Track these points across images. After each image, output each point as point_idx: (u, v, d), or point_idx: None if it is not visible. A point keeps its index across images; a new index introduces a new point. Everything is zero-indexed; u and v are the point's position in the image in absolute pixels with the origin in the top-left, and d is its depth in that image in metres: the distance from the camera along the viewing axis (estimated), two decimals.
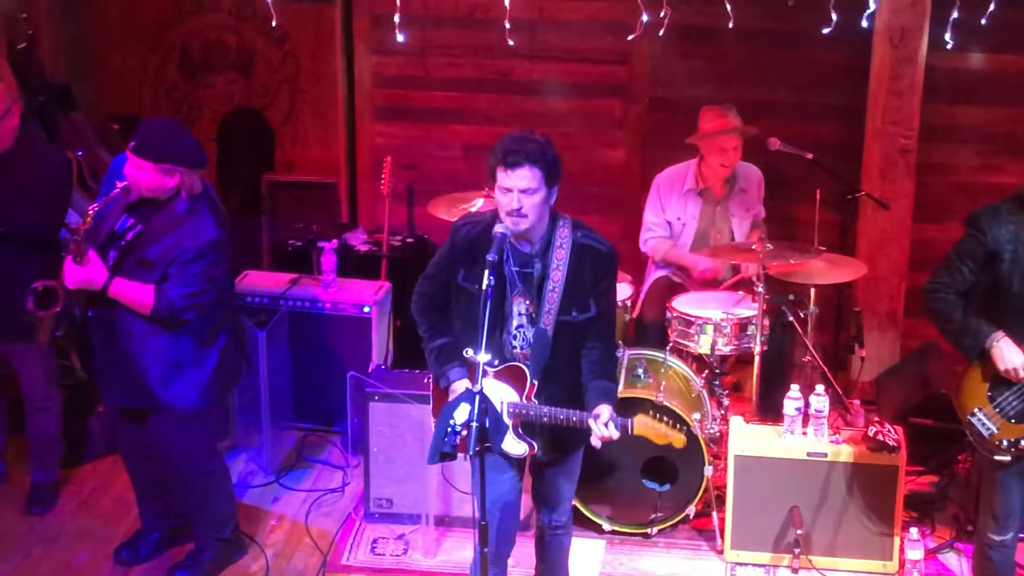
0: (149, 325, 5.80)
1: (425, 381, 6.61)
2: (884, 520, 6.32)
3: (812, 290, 6.99)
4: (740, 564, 6.46)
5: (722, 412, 6.86)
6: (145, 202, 5.81)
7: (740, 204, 7.44)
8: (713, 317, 6.84)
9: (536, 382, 5.14)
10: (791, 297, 6.95)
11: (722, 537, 6.51)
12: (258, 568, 6.45)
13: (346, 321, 7.47)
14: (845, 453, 6.30)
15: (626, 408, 6.36)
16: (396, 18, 6.36)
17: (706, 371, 6.91)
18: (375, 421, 6.64)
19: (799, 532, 6.25)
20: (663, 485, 6.59)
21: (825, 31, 6.18)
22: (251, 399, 7.22)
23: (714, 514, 6.61)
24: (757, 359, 6.80)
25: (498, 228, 5.02)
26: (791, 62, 8.10)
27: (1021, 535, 5.82)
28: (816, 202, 7.06)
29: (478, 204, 7.31)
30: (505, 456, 5.26)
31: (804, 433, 6.36)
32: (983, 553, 5.77)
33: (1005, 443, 5.45)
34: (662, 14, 6.24)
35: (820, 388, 6.36)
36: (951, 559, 6.51)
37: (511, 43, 6.58)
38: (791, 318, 6.89)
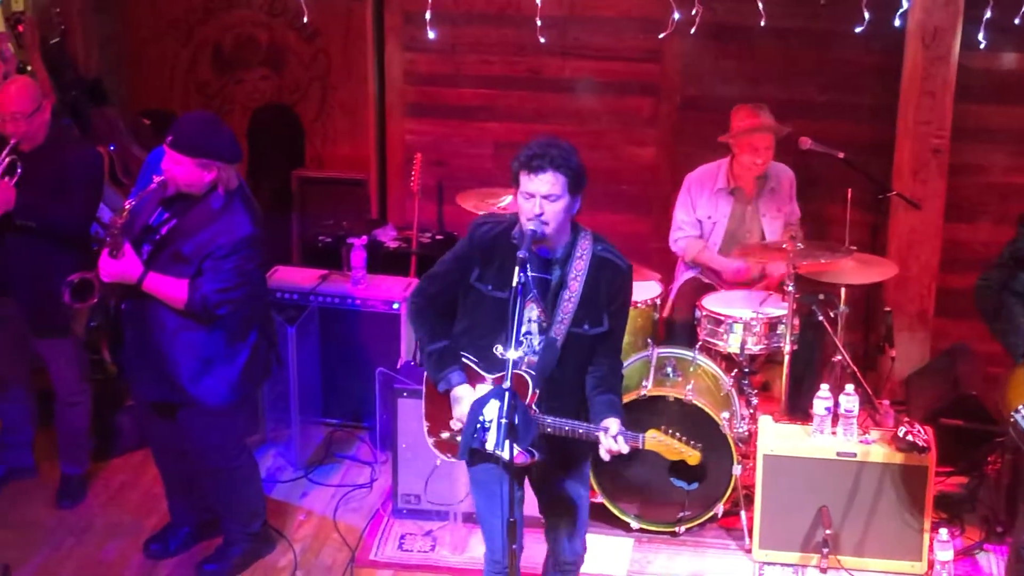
0: (181, 320, 5.82)
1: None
2: (913, 521, 6.30)
3: (842, 290, 6.96)
4: (768, 563, 6.45)
5: (751, 411, 6.84)
6: (180, 197, 5.82)
7: (771, 204, 7.42)
8: (743, 316, 6.82)
9: (539, 391, 5.05)
10: (821, 297, 6.92)
11: (750, 536, 6.50)
12: (286, 563, 6.47)
13: (375, 317, 7.48)
14: (874, 453, 6.28)
15: (653, 406, 6.41)
16: (427, 15, 6.36)
17: (735, 370, 6.90)
18: (404, 417, 6.64)
19: (828, 532, 6.23)
20: (691, 484, 6.58)
21: (857, 30, 6.16)
22: (281, 394, 7.24)
23: (742, 513, 6.59)
24: (787, 358, 6.78)
25: (528, 225, 4.94)
26: (823, 61, 8.07)
27: None
28: (847, 202, 7.03)
29: (507, 201, 7.31)
30: (507, 466, 5.02)
31: (833, 433, 6.34)
32: (1019, 556, 5.73)
33: None
34: (694, 12, 6.23)
35: (850, 388, 6.34)
36: (981, 560, 6.48)
37: (542, 40, 6.57)
38: (821, 318, 6.86)
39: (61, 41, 8.21)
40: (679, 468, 6.55)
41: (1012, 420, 5.49)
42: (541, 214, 4.90)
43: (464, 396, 5.12)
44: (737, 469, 6.49)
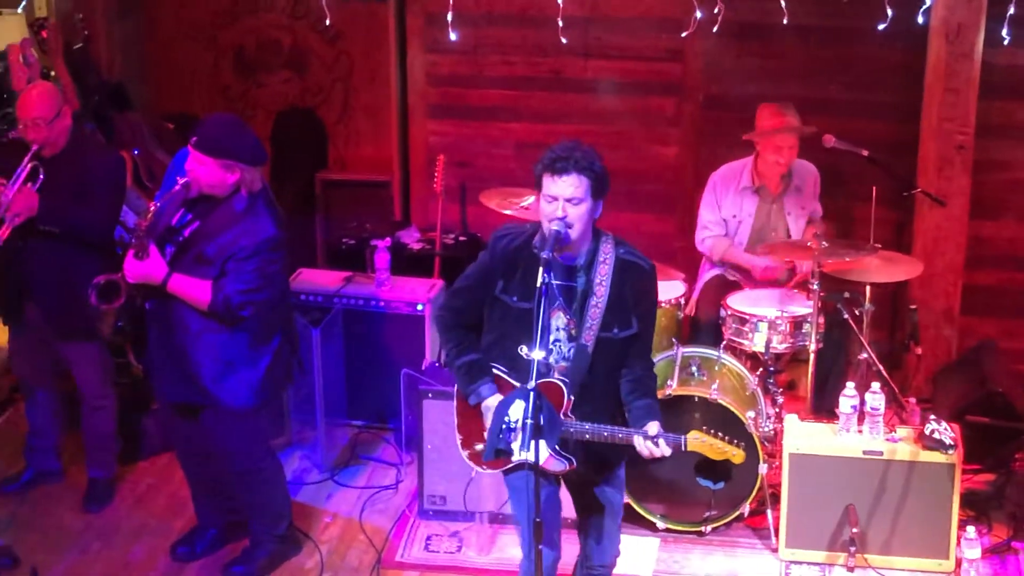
0: (205, 321, 5.83)
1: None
2: (940, 519, 6.28)
3: (868, 288, 6.94)
4: (795, 562, 6.43)
5: (776, 410, 6.82)
6: (203, 198, 5.84)
7: (796, 202, 7.40)
8: (768, 315, 6.82)
9: (573, 398, 5.04)
10: (846, 295, 6.90)
11: (777, 535, 6.49)
12: (313, 565, 6.48)
13: (400, 319, 7.48)
14: (901, 451, 6.26)
15: (678, 406, 6.40)
16: (449, 16, 6.37)
17: (760, 369, 6.88)
18: (429, 418, 6.64)
19: (854, 530, 6.21)
20: (717, 483, 6.57)
21: (880, 27, 6.14)
22: (306, 397, 7.25)
23: (769, 512, 6.58)
24: (812, 357, 6.77)
25: (553, 226, 4.92)
26: (846, 59, 8.05)
27: None
28: (872, 200, 7.01)
29: (529, 201, 7.31)
30: (543, 473, 5.08)
31: (859, 431, 6.33)
32: None
33: None
34: (716, 11, 6.23)
35: (875, 386, 6.32)
36: (1010, 558, 6.46)
37: (564, 41, 6.58)
38: (846, 316, 6.85)
39: (85, 46, 8.23)
40: (705, 468, 6.54)
41: None
42: (564, 216, 4.89)
43: (496, 406, 5.12)
44: (763, 468, 6.48)
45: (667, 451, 4.98)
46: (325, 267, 8.43)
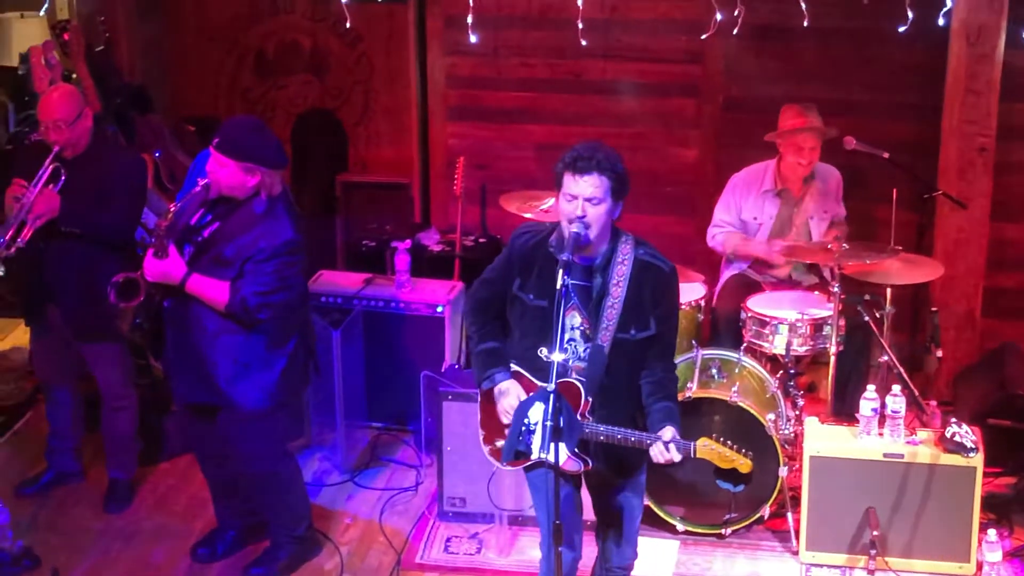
0: (222, 322, 5.85)
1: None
2: (961, 522, 6.26)
3: (888, 290, 6.93)
4: (815, 565, 6.42)
5: (797, 413, 6.81)
6: (223, 200, 5.86)
7: (818, 205, 7.39)
8: (788, 317, 6.80)
9: (591, 399, 5.03)
10: (867, 297, 6.89)
11: (797, 538, 6.47)
12: (333, 566, 6.48)
13: (420, 321, 7.49)
14: (922, 454, 6.25)
15: (698, 408, 6.40)
16: (469, 19, 6.38)
17: (781, 371, 6.88)
18: (449, 420, 6.65)
19: (875, 533, 6.19)
20: (737, 486, 6.56)
21: (901, 29, 6.13)
22: (325, 398, 7.26)
23: (789, 515, 6.57)
24: (832, 359, 6.76)
25: (572, 228, 4.93)
26: (867, 60, 8.03)
27: None
28: (893, 202, 6.99)
29: (550, 203, 7.31)
30: (561, 474, 5.07)
31: (880, 434, 6.31)
32: None
33: None
34: (736, 13, 6.22)
35: (896, 389, 6.30)
36: None
37: (584, 43, 6.59)
38: (867, 318, 6.83)
39: (106, 49, 8.25)
40: (725, 470, 6.52)
41: None
42: (583, 216, 4.89)
43: (510, 389, 5.13)
44: (783, 471, 6.47)
45: (676, 457, 4.96)
46: (345, 269, 8.44)
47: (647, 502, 6.48)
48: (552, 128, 8.49)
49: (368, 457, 7.44)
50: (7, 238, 6.29)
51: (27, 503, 6.91)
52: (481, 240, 8.48)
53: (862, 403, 6.31)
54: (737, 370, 6.74)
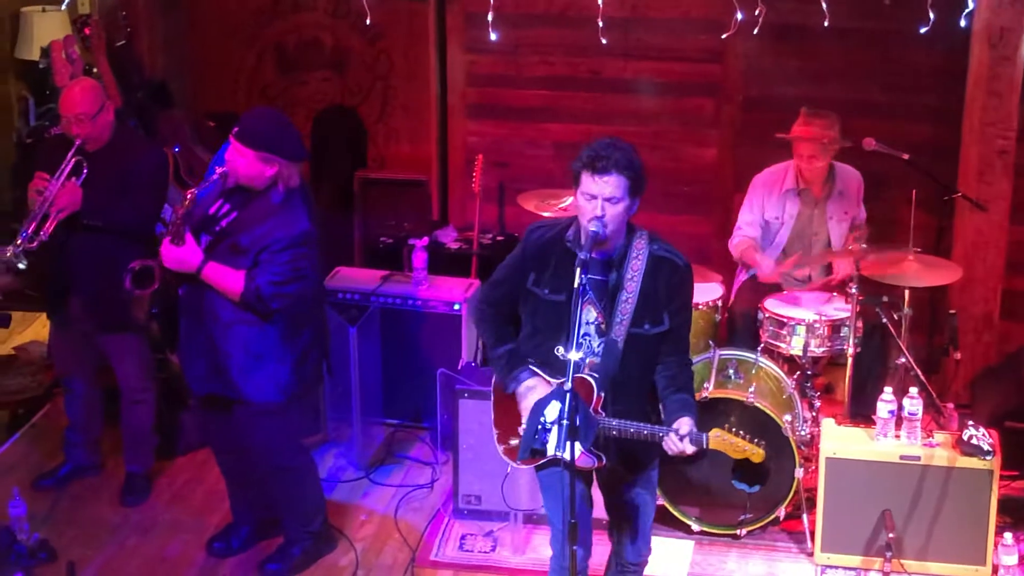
0: (236, 312, 5.86)
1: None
2: (977, 525, 6.24)
3: (906, 292, 6.91)
4: (830, 567, 6.41)
5: (813, 414, 6.80)
6: (241, 190, 5.87)
7: (838, 206, 7.36)
8: (806, 318, 6.79)
9: (603, 394, 5.03)
10: (885, 299, 6.87)
11: (812, 539, 6.47)
12: (347, 562, 6.49)
13: (436, 318, 7.50)
14: (938, 457, 6.23)
15: (715, 408, 6.39)
16: (489, 16, 6.38)
17: (798, 372, 6.86)
18: (464, 418, 6.65)
19: (891, 535, 6.18)
20: (753, 486, 6.55)
21: (922, 31, 6.11)
22: (342, 394, 7.27)
23: (804, 516, 6.56)
24: (850, 361, 6.75)
25: (591, 227, 4.93)
26: (887, 61, 8.02)
27: None
28: (912, 203, 6.98)
29: (568, 202, 7.31)
30: (574, 470, 5.05)
31: (897, 436, 6.30)
32: None
33: None
34: (757, 12, 6.22)
35: (914, 391, 6.29)
36: None
37: (604, 41, 6.58)
38: (885, 320, 6.82)
39: (127, 43, 8.27)
40: (741, 470, 6.53)
41: None
42: (602, 215, 4.88)
43: (536, 386, 5.12)
44: (799, 472, 6.46)
45: (689, 449, 4.96)
46: (363, 266, 8.45)
47: (662, 501, 6.49)
48: (571, 127, 8.49)
49: (384, 454, 7.44)
50: (29, 232, 6.32)
51: (44, 496, 6.94)
52: (499, 238, 8.48)
53: (879, 405, 6.29)
54: (754, 371, 6.74)
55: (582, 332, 5.06)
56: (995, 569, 6.21)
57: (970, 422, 6.35)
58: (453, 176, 8.88)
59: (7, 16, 8.13)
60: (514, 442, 5.23)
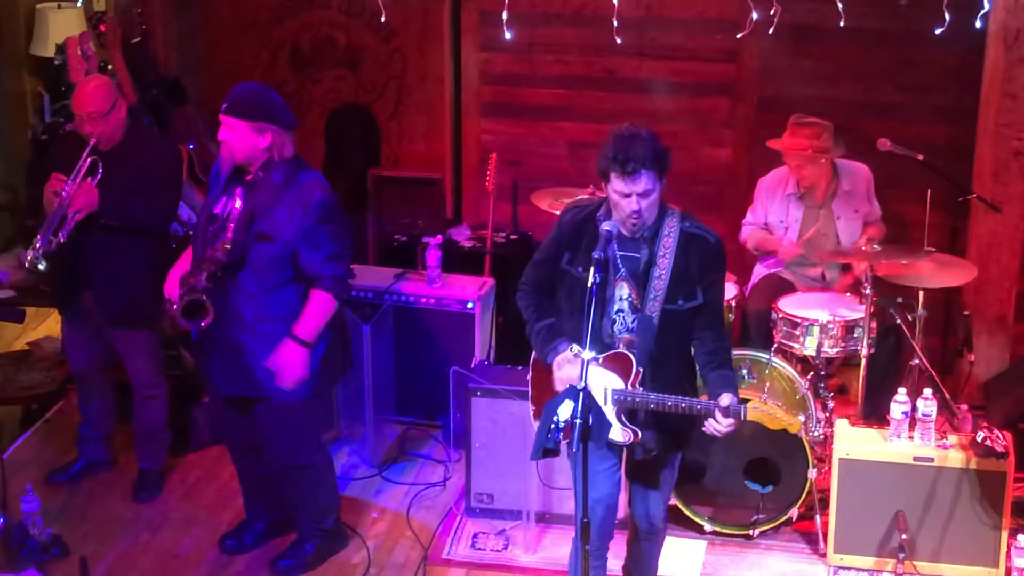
0: (259, 311, 5.87)
1: (527, 377, 6.62)
2: (991, 527, 6.23)
3: (921, 293, 6.90)
4: (843, 568, 6.40)
5: (827, 415, 6.79)
6: (239, 180, 5.87)
7: (847, 205, 7.35)
8: (819, 319, 6.78)
9: (641, 369, 5.13)
10: (899, 300, 6.86)
11: (825, 540, 6.46)
12: (360, 560, 6.50)
13: (450, 316, 7.50)
14: (952, 458, 6.22)
15: None
16: (504, 15, 6.38)
17: (811, 373, 6.85)
18: (477, 416, 6.66)
19: (904, 537, 6.17)
20: (766, 487, 6.55)
21: (938, 31, 6.10)
22: (355, 392, 7.27)
23: (817, 517, 6.55)
24: (864, 362, 6.74)
25: (605, 226, 5.06)
26: (902, 62, 8.00)
27: None
28: (927, 204, 6.96)
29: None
30: (608, 444, 5.28)
31: (910, 437, 6.29)
32: None
33: None
34: (772, 12, 6.21)
35: (927, 392, 6.28)
36: None
37: (618, 41, 6.57)
38: (899, 321, 6.81)
39: (142, 41, 8.28)
40: (754, 470, 6.52)
41: None
42: (639, 210, 5.05)
43: (571, 359, 5.21)
44: (812, 473, 6.45)
45: (730, 423, 5.04)
46: (376, 264, 8.46)
47: (675, 501, 6.48)
48: (585, 126, 8.49)
49: (396, 452, 7.45)
50: (49, 234, 6.31)
51: (57, 491, 6.95)
52: (512, 236, 8.48)
53: (893, 406, 6.28)
54: (767, 371, 6.73)
55: (616, 308, 5.19)
56: (1008, 571, 6.19)
57: (984, 424, 6.34)
58: (467, 174, 8.88)
59: (23, 13, 8.13)
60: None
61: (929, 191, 7.00)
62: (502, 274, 8.01)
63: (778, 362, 6.79)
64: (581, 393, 4.76)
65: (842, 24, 6.22)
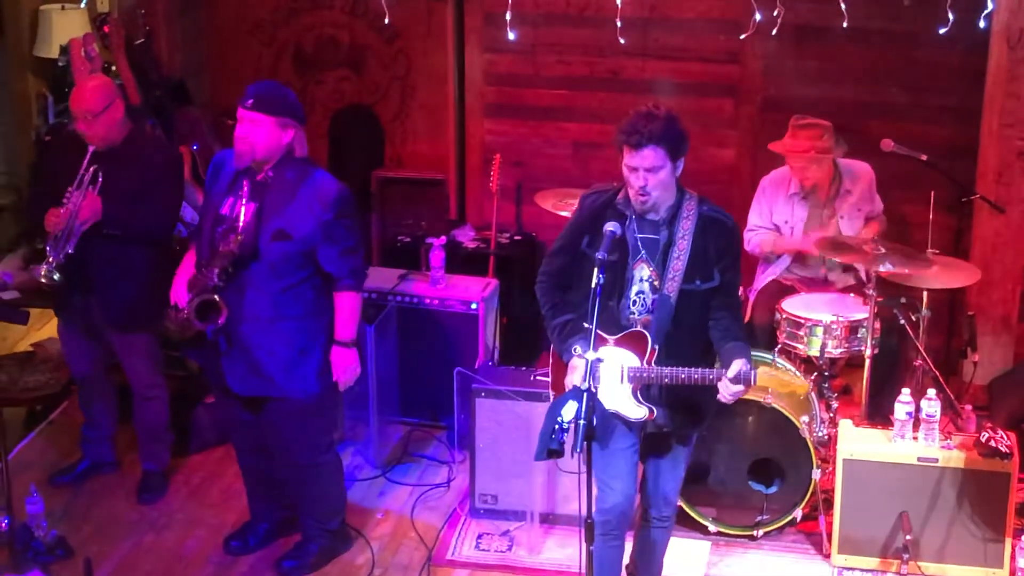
0: (277, 309, 5.86)
1: (532, 378, 6.62)
2: (995, 527, 6.23)
3: (924, 293, 6.90)
4: (847, 569, 6.40)
5: (831, 415, 6.79)
6: (247, 179, 5.86)
7: (850, 204, 7.34)
8: (823, 319, 6.77)
9: (657, 347, 5.24)
10: (903, 300, 6.86)
11: (829, 541, 6.45)
12: (364, 561, 6.50)
13: (454, 317, 7.50)
14: (956, 459, 6.21)
15: (732, 408, 6.35)
16: (508, 16, 6.38)
17: (815, 373, 6.85)
18: (481, 417, 6.66)
19: (908, 537, 6.17)
20: (770, 487, 6.54)
21: (941, 31, 6.09)
22: (359, 393, 7.23)
23: (821, 518, 6.54)
24: (867, 362, 6.73)
25: (608, 227, 5.16)
26: (906, 62, 7.99)
27: None
28: (930, 204, 6.96)
29: None
30: (626, 424, 5.37)
31: (915, 438, 6.28)
32: None
33: None
34: (775, 13, 6.21)
35: (931, 392, 6.28)
36: None
37: (622, 41, 6.58)
38: (903, 321, 6.80)
39: (146, 42, 8.28)
40: (758, 471, 6.52)
41: None
42: (645, 185, 5.16)
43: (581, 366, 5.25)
44: (816, 473, 6.45)
45: (741, 388, 5.18)
46: (380, 264, 8.45)
47: (679, 502, 6.48)
48: (589, 126, 8.50)
49: (400, 453, 7.45)
50: (59, 247, 6.30)
51: (61, 492, 6.96)
52: (516, 237, 8.48)
53: (897, 406, 6.28)
54: (771, 372, 6.71)
55: (636, 290, 5.31)
56: (1012, 572, 6.19)
57: (988, 424, 6.34)
58: (471, 175, 8.89)
59: (26, 14, 8.14)
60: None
61: (933, 192, 6.99)
62: (506, 275, 8.02)
63: (782, 362, 6.78)
64: (585, 393, 4.78)
65: (845, 24, 6.22)
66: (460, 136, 8.86)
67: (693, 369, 5.23)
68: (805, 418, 6.48)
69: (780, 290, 7.35)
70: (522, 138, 8.71)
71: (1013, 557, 6.18)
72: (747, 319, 7.37)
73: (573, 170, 8.50)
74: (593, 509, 5.31)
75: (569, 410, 4.98)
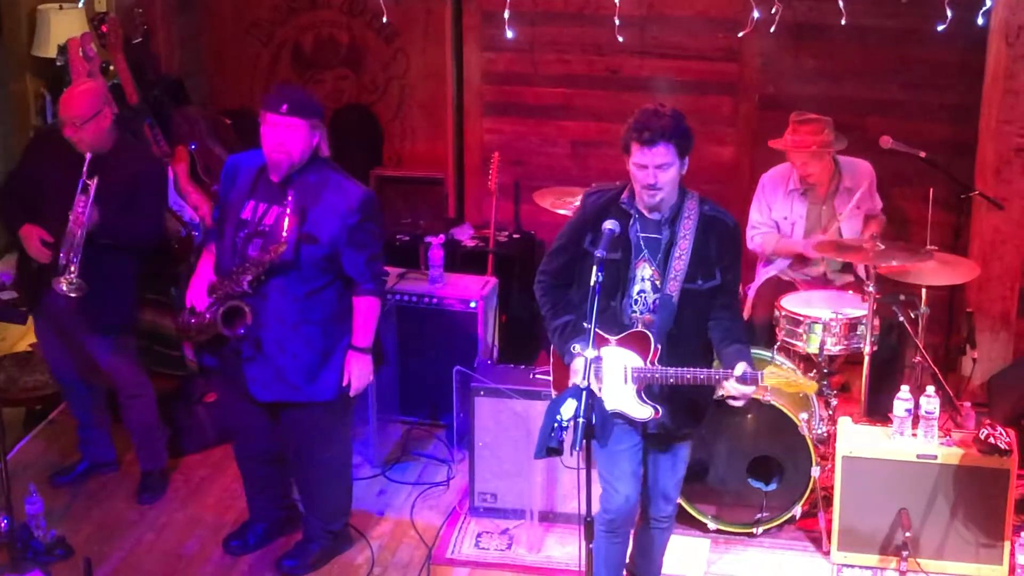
0: (301, 313, 5.86)
1: (531, 376, 6.62)
2: (994, 524, 6.23)
3: (923, 290, 6.90)
4: (846, 566, 6.40)
5: (830, 413, 6.79)
6: (264, 183, 5.85)
7: (848, 201, 7.34)
8: (822, 316, 6.77)
9: (660, 347, 5.25)
10: (902, 297, 6.86)
11: (828, 538, 6.46)
12: (363, 560, 6.50)
13: (452, 316, 7.50)
14: (955, 456, 6.22)
15: (730, 406, 6.35)
16: (506, 14, 6.38)
17: (814, 371, 6.85)
18: (480, 416, 6.66)
19: (907, 534, 6.17)
20: (769, 485, 6.54)
21: (940, 28, 6.09)
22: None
23: (820, 515, 6.54)
24: (866, 359, 6.73)
25: (607, 225, 5.14)
26: (904, 59, 8.00)
27: None
28: (929, 201, 6.96)
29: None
30: (629, 423, 5.39)
31: (914, 435, 6.29)
32: None
33: None
34: (773, 11, 6.22)
35: (930, 389, 6.27)
36: None
37: (620, 40, 6.57)
38: (902, 318, 6.80)
39: (144, 41, 8.28)
40: (757, 468, 6.52)
41: None
42: (656, 182, 5.18)
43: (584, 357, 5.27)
44: (815, 470, 6.45)
45: (749, 390, 5.20)
46: None
47: (679, 500, 6.47)
48: (587, 124, 8.50)
49: (400, 451, 7.45)
50: (71, 260, 6.27)
51: (61, 492, 6.96)
52: (515, 236, 8.49)
53: (896, 403, 6.28)
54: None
55: (638, 289, 5.32)
56: (1012, 569, 6.20)
57: (987, 421, 6.35)
58: (469, 174, 8.89)
59: (24, 13, 8.13)
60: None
61: (931, 188, 7.00)
62: (505, 273, 8.02)
63: (781, 360, 6.78)
64: (584, 392, 4.79)
65: (843, 22, 6.23)
66: (459, 135, 8.86)
67: (699, 369, 5.25)
68: (804, 415, 6.48)
69: (779, 287, 7.35)
70: (521, 137, 8.72)
71: (1012, 554, 6.18)
72: (747, 317, 7.38)
73: (572, 168, 8.51)
74: (596, 508, 5.34)
75: (568, 408, 4.98)
